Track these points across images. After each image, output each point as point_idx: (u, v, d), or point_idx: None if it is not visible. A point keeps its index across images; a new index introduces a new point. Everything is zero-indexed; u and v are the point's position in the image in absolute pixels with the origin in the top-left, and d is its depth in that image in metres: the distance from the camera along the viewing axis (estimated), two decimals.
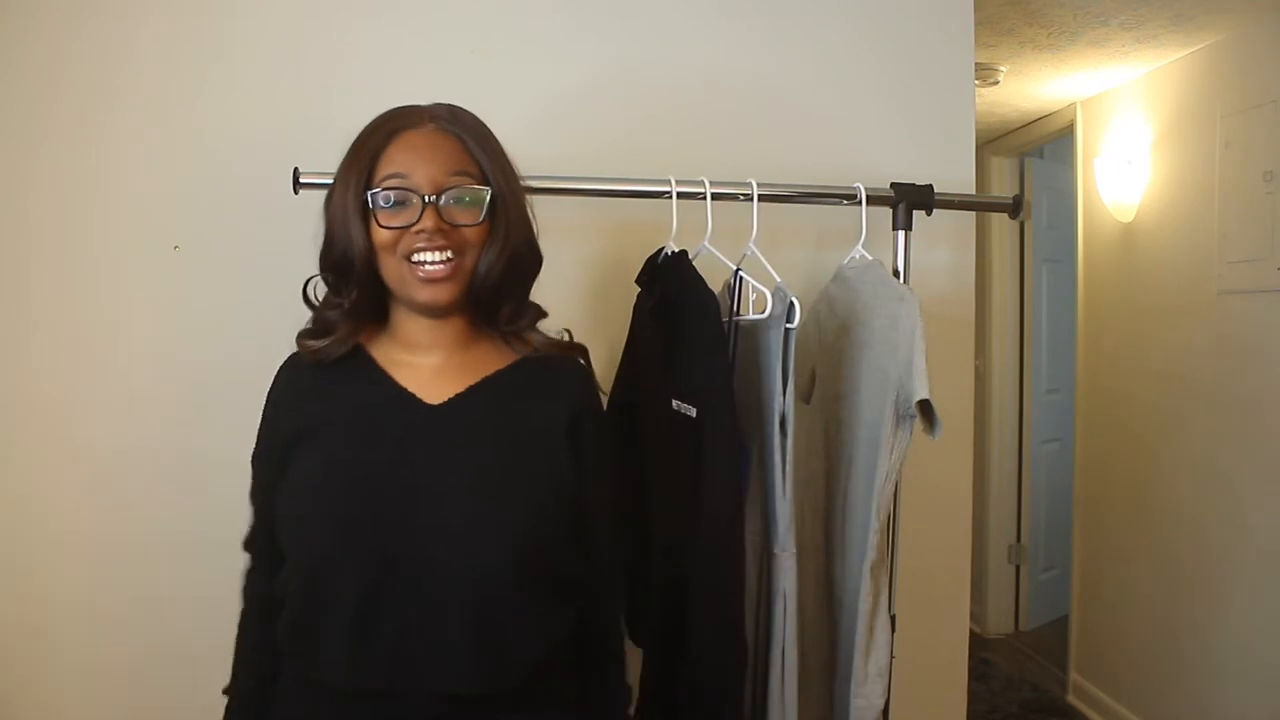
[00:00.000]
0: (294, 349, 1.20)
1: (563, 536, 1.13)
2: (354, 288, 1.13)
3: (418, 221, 1.07)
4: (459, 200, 1.09)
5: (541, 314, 1.21)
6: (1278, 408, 2.54)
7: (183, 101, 1.67)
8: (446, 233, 1.08)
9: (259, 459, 1.19)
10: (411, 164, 1.09)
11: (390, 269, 1.10)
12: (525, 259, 1.17)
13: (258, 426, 1.19)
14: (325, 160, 1.45)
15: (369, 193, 1.09)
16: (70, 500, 1.65)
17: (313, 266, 1.19)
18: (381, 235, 1.09)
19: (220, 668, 1.64)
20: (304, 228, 1.64)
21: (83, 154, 1.65)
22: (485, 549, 1.07)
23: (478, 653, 1.07)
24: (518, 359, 1.19)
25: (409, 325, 1.15)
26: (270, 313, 1.66)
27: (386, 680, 1.06)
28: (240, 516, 1.20)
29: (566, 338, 1.25)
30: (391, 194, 1.08)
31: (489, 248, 1.12)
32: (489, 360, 1.18)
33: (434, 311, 1.13)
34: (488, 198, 1.11)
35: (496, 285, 1.14)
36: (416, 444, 1.11)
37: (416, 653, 1.06)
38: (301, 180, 1.46)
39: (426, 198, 1.07)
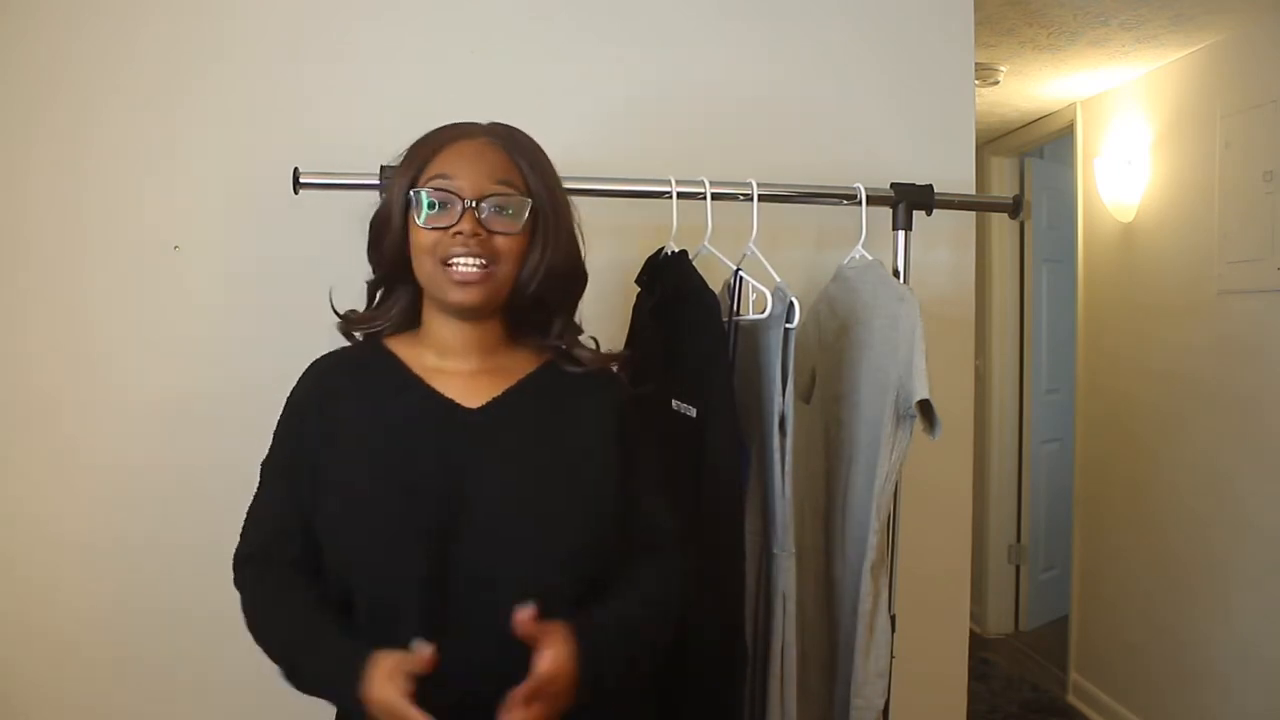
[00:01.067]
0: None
1: (611, 532, 1.14)
2: (380, 269, 1.17)
3: (456, 224, 1.09)
4: (498, 209, 1.11)
5: (580, 330, 1.23)
6: (1278, 408, 2.54)
7: (182, 102, 1.68)
8: (483, 239, 1.09)
9: (279, 468, 1.16)
10: (456, 167, 1.11)
11: (425, 270, 1.12)
12: (566, 276, 1.18)
13: (275, 431, 1.17)
14: (325, 160, 1.46)
15: (411, 190, 1.11)
16: (69, 500, 1.65)
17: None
18: (421, 236, 1.10)
19: (218, 664, 1.64)
20: (304, 228, 1.65)
21: (83, 154, 1.65)
22: (537, 554, 1.08)
23: (532, 651, 1.07)
24: (548, 360, 1.20)
25: (442, 329, 1.16)
26: (270, 312, 1.67)
27: (455, 690, 1.06)
28: (239, 515, 1.20)
29: (594, 345, 1.25)
30: (431, 193, 1.10)
31: (528, 259, 1.14)
32: (523, 364, 1.19)
33: (465, 313, 1.13)
34: (527, 208, 1.13)
35: (536, 297, 1.15)
36: (459, 450, 1.11)
37: (483, 661, 1.06)
38: (301, 180, 1.46)
39: (466, 201, 1.09)
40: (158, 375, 1.68)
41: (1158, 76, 3.02)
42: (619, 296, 1.62)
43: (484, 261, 1.10)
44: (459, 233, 1.09)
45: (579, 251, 1.20)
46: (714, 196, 1.53)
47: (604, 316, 1.66)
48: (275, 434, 1.18)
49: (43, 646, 1.65)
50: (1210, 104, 2.76)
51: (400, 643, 1.06)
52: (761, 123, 1.87)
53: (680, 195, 1.53)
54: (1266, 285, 2.55)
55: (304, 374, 1.19)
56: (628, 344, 1.60)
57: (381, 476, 1.10)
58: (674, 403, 1.47)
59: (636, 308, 1.58)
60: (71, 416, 1.66)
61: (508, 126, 1.18)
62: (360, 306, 1.22)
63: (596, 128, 1.79)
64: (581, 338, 1.23)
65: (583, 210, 1.40)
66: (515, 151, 1.15)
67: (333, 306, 1.22)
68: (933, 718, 1.98)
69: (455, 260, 1.09)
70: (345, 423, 1.13)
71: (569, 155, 1.63)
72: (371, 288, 1.22)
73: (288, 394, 1.18)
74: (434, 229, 1.10)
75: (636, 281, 1.58)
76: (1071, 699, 3.49)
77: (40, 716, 1.65)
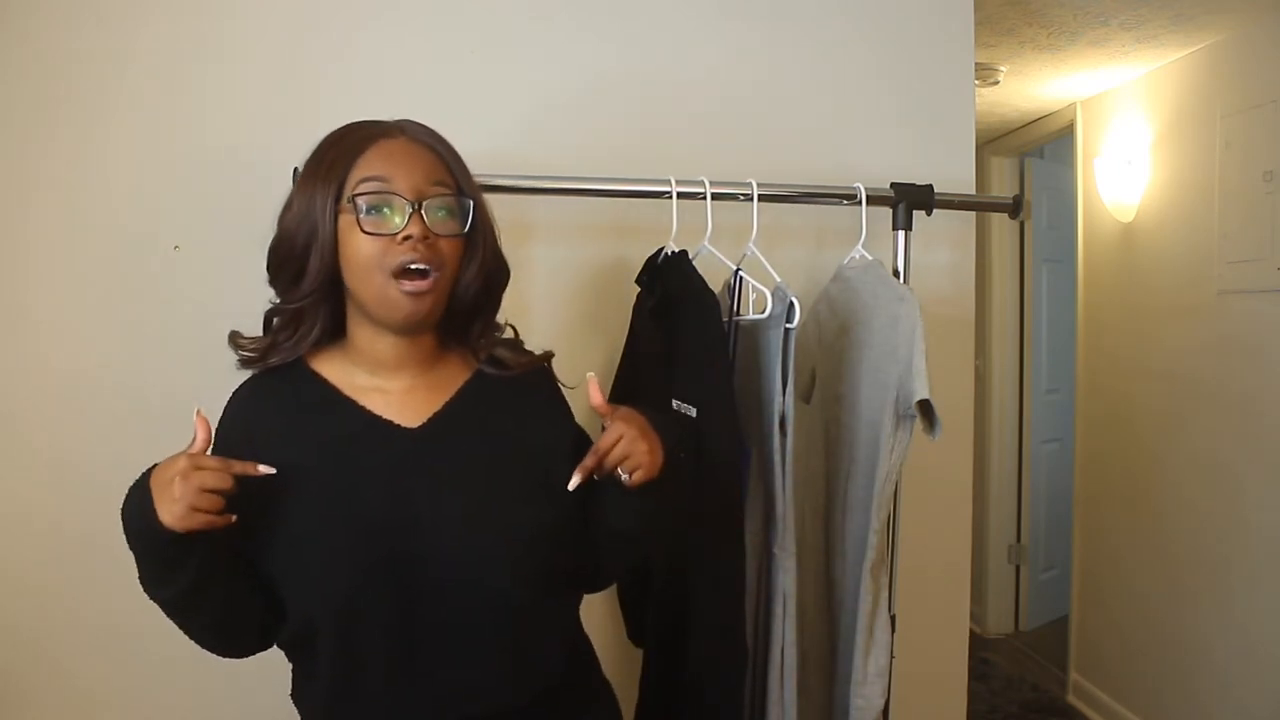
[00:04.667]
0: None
1: (568, 537, 1.12)
2: (308, 286, 1.07)
3: (404, 228, 1.02)
4: (441, 210, 1.06)
5: (501, 328, 1.19)
6: (1278, 408, 2.54)
7: (183, 102, 1.68)
8: (431, 243, 1.04)
9: None
10: (391, 169, 1.04)
11: (373, 283, 1.04)
12: (498, 272, 1.15)
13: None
14: None
15: (353, 197, 1.03)
16: (69, 499, 1.65)
17: None
18: (364, 246, 1.03)
19: (219, 666, 1.65)
20: None
21: (83, 154, 1.65)
22: (499, 570, 1.06)
23: (510, 665, 1.08)
24: (479, 368, 1.16)
25: (375, 344, 1.10)
26: None
27: (429, 714, 1.06)
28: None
29: (511, 333, 1.21)
30: (370, 198, 1.03)
31: (468, 262, 1.10)
32: (456, 374, 1.15)
33: (409, 328, 1.08)
34: (471, 209, 1.09)
35: (474, 300, 1.12)
36: (405, 473, 1.07)
37: (453, 681, 1.06)
38: None
39: (412, 204, 1.03)
40: (158, 375, 1.68)
41: (1158, 76, 3.02)
42: (619, 296, 1.62)
43: (433, 267, 1.04)
44: (408, 237, 1.02)
45: (500, 249, 1.16)
46: (714, 196, 1.53)
47: (604, 317, 1.67)
48: None
49: (41, 643, 1.65)
50: (1210, 104, 2.76)
51: (366, 674, 1.05)
52: (762, 123, 1.87)
53: (680, 195, 1.52)
54: (1266, 285, 2.55)
55: (226, 407, 1.12)
56: (628, 344, 1.60)
57: (328, 510, 1.04)
58: (674, 403, 1.46)
59: (636, 308, 1.58)
60: (72, 416, 1.66)
61: (418, 123, 1.12)
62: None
63: (597, 128, 1.79)
64: (504, 334, 1.19)
65: (583, 210, 1.41)
66: (439, 148, 1.10)
67: (231, 342, 1.14)
68: (933, 718, 1.98)
69: (406, 269, 1.02)
70: (281, 455, 1.04)
71: (569, 155, 1.64)
72: (274, 315, 1.13)
73: None
74: (377, 235, 1.02)
75: (636, 281, 1.58)
76: (1071, 699, 3.49)
77: (39, 712, 1.66)
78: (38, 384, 1.65)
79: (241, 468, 0.97)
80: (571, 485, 1.05)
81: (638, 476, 1.05)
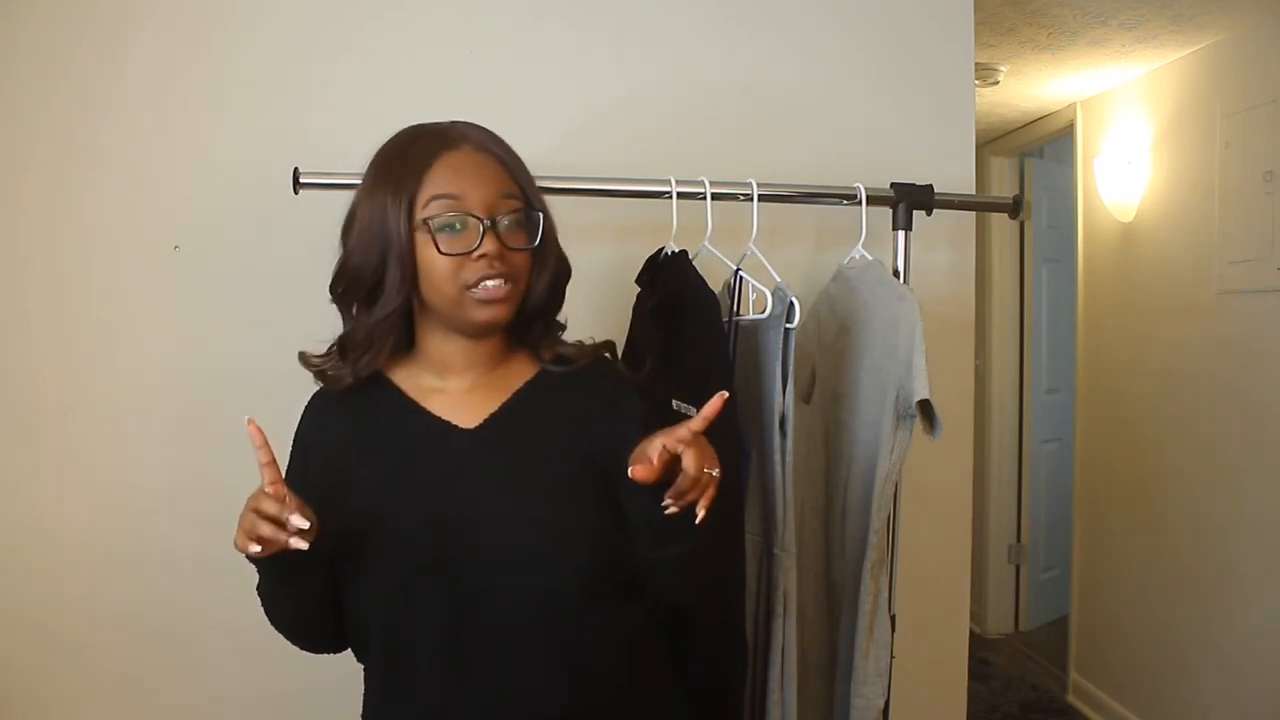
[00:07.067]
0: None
1: (621, 541, 1.08)
2: (389, 303, 1.07)
3: (479, 246, 1.04)
4: (514, 225, 1.07)
5: (562, 326, 1.20)
6: (1278, 407, 2.54)
7: (183, 102, 1.67)
8: (505, 257, 1.06)
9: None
10: (462, 186, 1.06)
11: (447, 294, 1.06)
12: (563, 276, 1.16)
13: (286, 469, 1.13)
14: (325, 161, 1.45)
15: (426, 220, 1.05)
16: (73, 501, 1.65)
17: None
18: (440, 263, 1.04)
19: (227, 675, 1.65)
20: (304, 228, 1.65)
21: (82, 154, 1.65)
22: (551, 572, 1.06)
23: (560, 672, 1.07)
24: (543, 367, 1.16)
25: (444, 348, 1.12)
26: (270, 312, 1.67)
27: (479, 719, 1.06)
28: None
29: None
30: (444, 217, 1.04)
31: (539, 271, 1.11)
32: (518, 374, 1.15)
33: (483, 334, 1.10)
34: (540, 222, 1.10)
35: (543, 304, 1.13)
36: (458, 474, 1.09)
37: (502, 686, 1.05)
38: (301, 180, 1.46)
39: (485, 222, 1.05)
40: (159, 376, 1.68)
41: (1158, 76, 3.02)
42: (619, 296, 1.62)
43: (507, 280, 1.06)
44: (484, 255, 1.04)
45: (561, 249, 1.16)
46: (714, 196, 1.53)
47: (604, 316, 1.66)
48: (286, 474, 1.13)
49: (47, 650, 1.65)
50: (1210, 104, 2.77)
51: (416, 675, 1.06)
52: (762, 122, 1.87)
53: (680, 195, 1.52)
54: (1266, 285, 2.55)
55: (304, 411, 1.16)
56: (628, 344, 1.59)
57: (381, 511, 1.07)
58: (674, 403, 1.46)
59: (636, 308, 1.58)
60: (73, 417, 1.65)
61: (479, 128, 1.12)
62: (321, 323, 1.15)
63: (597, 128, 1.79)
64: (565, 334, 1.19)
65: (582, 210, 1.40)
66: (506, 158, 1.11)
67: (302, 362, 1.15)
68: (933, 717, 1.98)
69: (480, 283, 1.04)
70: (347, 459, 1.11)
71: (569, 155, 1.64)
72: (362, 327, 1.11)
73: (290, 395, 1.17)
74: (454, 254, 1.04)
75: (637, 281, 1.58)
76: (1071, 699, 3.50)
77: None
78: (37, 386, 1.65)
79: (293, 504, 0.95)
80: (633, 475, 0.94)
81: (699, 510, 0.96)
